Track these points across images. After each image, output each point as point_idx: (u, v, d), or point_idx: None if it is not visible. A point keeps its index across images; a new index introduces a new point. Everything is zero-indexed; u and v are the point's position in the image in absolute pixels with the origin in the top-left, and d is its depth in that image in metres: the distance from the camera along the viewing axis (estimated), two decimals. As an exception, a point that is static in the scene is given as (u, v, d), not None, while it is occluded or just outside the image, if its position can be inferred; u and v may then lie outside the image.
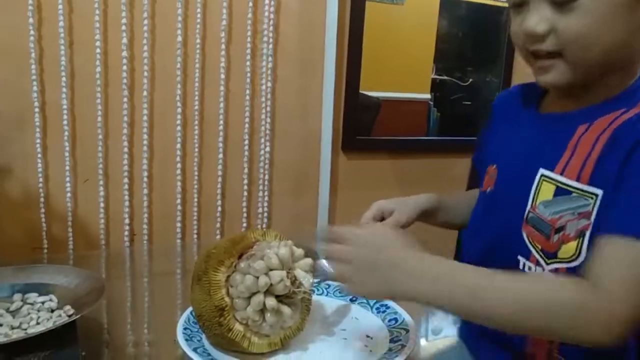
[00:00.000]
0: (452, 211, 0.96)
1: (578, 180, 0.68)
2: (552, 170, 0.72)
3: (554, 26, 0.67)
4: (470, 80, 1.68)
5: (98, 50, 1.17)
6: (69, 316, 0.78)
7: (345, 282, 0.65)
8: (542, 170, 0.73)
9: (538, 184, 0.73)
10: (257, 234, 0.75)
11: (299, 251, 0.75)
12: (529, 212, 0.72)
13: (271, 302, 0.70)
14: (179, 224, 1.32)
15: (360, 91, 1.52)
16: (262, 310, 0.70)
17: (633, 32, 0.67)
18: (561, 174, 0.71)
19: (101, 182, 1.23)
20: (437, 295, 0.62)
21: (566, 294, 0.60)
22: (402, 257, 0.65)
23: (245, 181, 1.39)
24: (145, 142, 1.26)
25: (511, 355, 0.77)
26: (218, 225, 1.37)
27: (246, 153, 1.37)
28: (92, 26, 1.16)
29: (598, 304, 0.59)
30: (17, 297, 0.84)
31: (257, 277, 0.69)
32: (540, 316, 0.60)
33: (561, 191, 0.70)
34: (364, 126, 1.55)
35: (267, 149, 1.39)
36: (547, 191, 0.72)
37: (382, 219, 0.89)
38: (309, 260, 0.74)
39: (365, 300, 0.85)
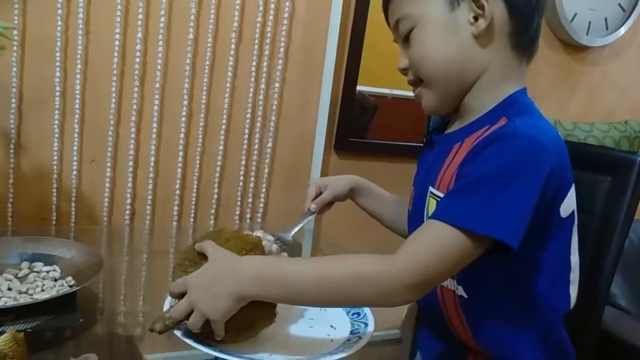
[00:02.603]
0: (372, 198, 1.06)
1: (446, 191, 0.75)
2: (434, 186, 0.78)
3: (409, 60, 0.79)
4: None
5: (117, 42, 1.26)
6: (70, 286, 0.85)
7: (194, 308, 0.67)
8: (430, 188, 0.79)
9: (427, 200, 0.80)
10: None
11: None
12: None
13: None
14: (176, 207, 1.41)
15: (362, 88, 1.55)
16: None
17: (461, 48, 0.76)
18: (437, 189, 0.77)
19: (109, 164, 1.32)
20: (263, 291, 0.67)
21: (363, 267, 0.67)
22: (232, 265, 0.68)
23: (242, 172, 1.47)
24: (151, 129, 1.34)
25: (444, 342, 0.86)
26: (213, 211, 1.46)
27: (245, 147, 1.46)
28: (111, 20, 1.25)
29: (385, 273, 0.65)
30: (25, 265, 0.91)
31: None
32: (343, 289, 0.67)
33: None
34: (358, 128, 1.61)
35: (269, 144, 1.48)
36: (433, 205, 0.78)
37: (320, 193, 1.00)
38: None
39: None
